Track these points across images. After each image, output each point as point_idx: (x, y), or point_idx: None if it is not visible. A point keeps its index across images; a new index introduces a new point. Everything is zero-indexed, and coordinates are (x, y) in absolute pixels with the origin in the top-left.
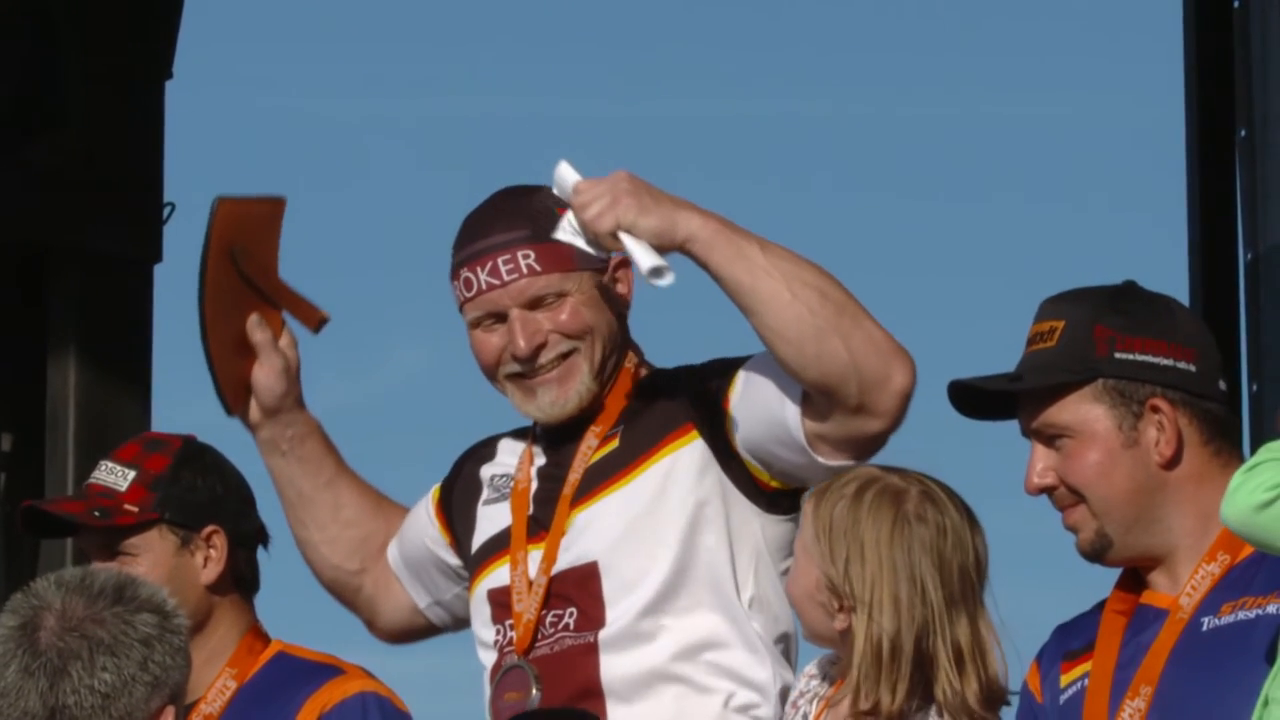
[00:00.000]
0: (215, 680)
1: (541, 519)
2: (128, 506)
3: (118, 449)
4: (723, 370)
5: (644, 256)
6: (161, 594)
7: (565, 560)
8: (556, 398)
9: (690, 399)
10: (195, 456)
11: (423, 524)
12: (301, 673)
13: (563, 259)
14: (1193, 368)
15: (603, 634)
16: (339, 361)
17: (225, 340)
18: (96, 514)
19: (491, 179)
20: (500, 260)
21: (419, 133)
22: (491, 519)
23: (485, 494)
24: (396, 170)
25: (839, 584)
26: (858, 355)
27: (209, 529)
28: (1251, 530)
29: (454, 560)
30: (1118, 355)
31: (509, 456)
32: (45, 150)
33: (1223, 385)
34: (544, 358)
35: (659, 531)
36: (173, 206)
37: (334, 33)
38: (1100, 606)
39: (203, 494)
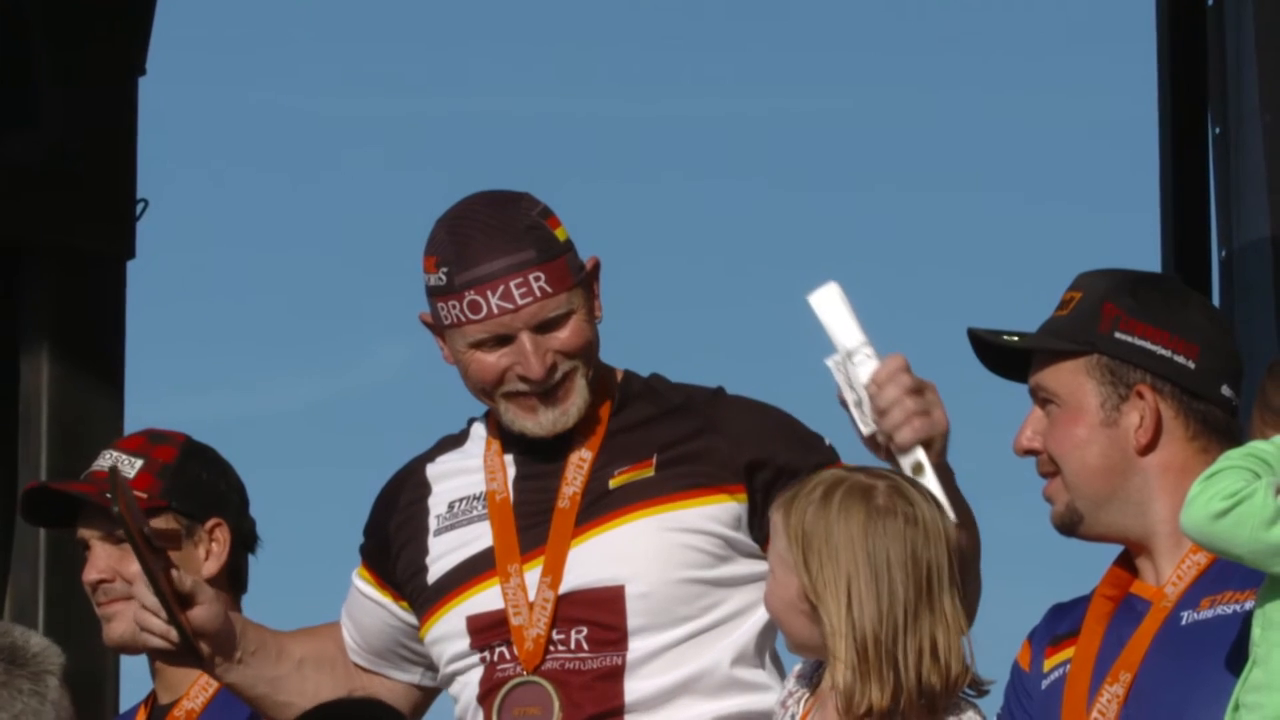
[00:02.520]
0: (199, 678)
1: (534, 534)
2: (136, 492)
3: (121, 440)
4: (799, 447)
5: (939, 490)
6: (24, 641)
7: (578, 577)
8: (559, 415)
9: (752, 456)
10: (200, 452)
11: (370, 609)
12: None
13: (565, 276)
14: (1191, 364)
15: (630, 657)
16: (318, 357)
17: (175, 607)
18: (108, 495)
19: (470, 176)
20: (513, 284)
21: (398, 129)
22: (456, 545)
23: (437, 523)
24: (374, 166)
25: (820, 590)
26: (967, 599)
27: (213, 522)
28: (1209, 539)
29: (415, 619)
30: (1118, 335)
31: (462, 476)
32: (17, 146)
33: (1227, 391)
34: (554, 379)
35: (696, 571)
36: (146, 203)
37: (310, 29)
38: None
39: (208, 487)
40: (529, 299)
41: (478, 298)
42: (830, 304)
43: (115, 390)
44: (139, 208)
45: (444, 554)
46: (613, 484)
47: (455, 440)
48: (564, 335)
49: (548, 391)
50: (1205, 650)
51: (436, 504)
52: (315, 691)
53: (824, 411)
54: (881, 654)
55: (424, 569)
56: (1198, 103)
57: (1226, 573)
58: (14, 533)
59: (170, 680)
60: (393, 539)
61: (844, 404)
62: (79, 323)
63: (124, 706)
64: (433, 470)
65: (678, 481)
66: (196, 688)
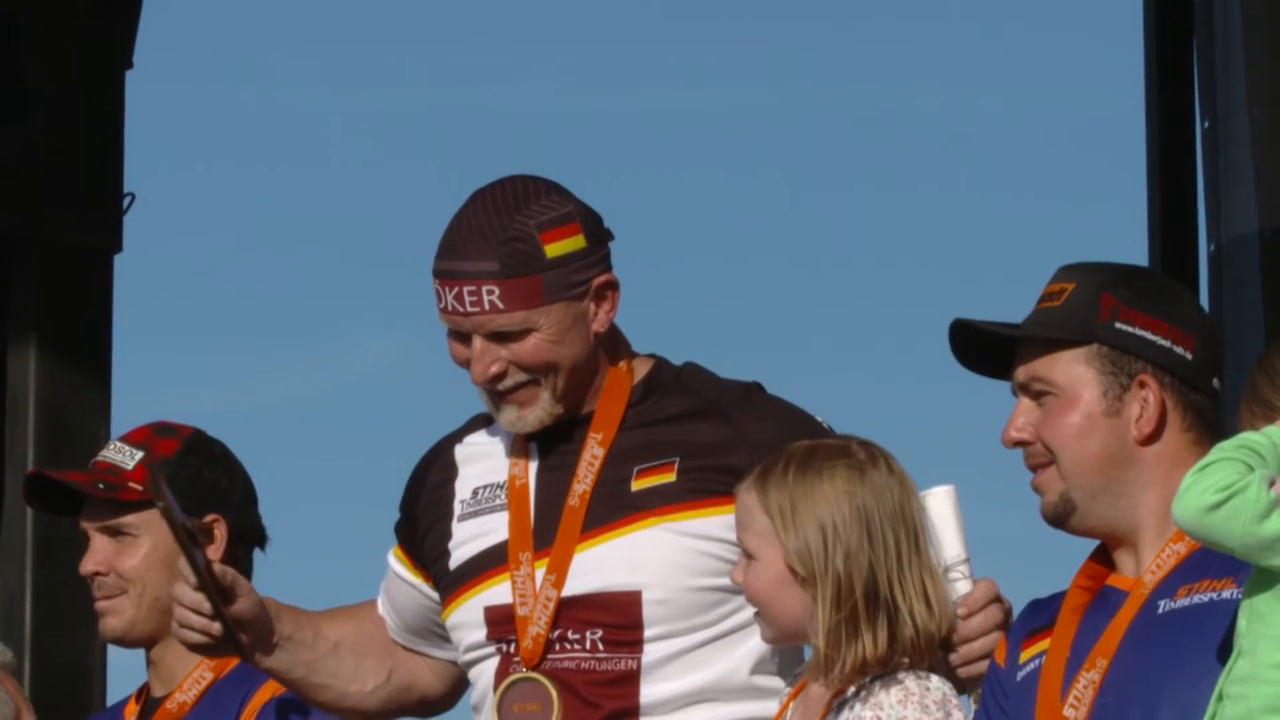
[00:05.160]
0: (193, 670)
1: (547, 531)
2: (132, 484)
3: (129, 432)
4: None
5: None
6: None
7: (594, 580)
8: (516, 418)
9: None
10: (204, 446)
11: (404, 589)
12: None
13: (531, 295)
14: (1189, 355)
15: (646, 660)
16: (306, 351)
17: (218, 600)
18: (101, 486)
19: (460, 172)
20: (466, 290)
21: (386, 124)
22: (476, 533)
23: (461, 508)
24: (363, 160)
25: (812, 551)
26: None
27: (211, 517)
28: (1202, 531)
29: None
30: (1118, 325)
31: (488, 460)
32: (6, 140)
33: (1216, 384)
34: (502, 385)
35: (714, 579)
36: (133, 196)
37: (298, 22)
38: None
39: (208, 482)
40: (476, 309)
41: (440, 289)
42: (941, 507)
43: (102, 383)
44: (126, 201)
45: (465, 541)
46: (634, 486)
47: (486, 419)
48: (519, 349)
49: (497, 393)
50: (1181, 638)
51: (462, 488)
52: (353, 672)
53: (826, 410)
54: (875, 603)
55: (447, 553)
56: (1185, 97)
57: (1204, 562)
58: (0, 526)
59: (165, 673)
60: (420, 520)
61: None
62: (66, 316)
63: (112, 699)
64: (460, 452)
65: (698, 489)
66: (190, 680)
